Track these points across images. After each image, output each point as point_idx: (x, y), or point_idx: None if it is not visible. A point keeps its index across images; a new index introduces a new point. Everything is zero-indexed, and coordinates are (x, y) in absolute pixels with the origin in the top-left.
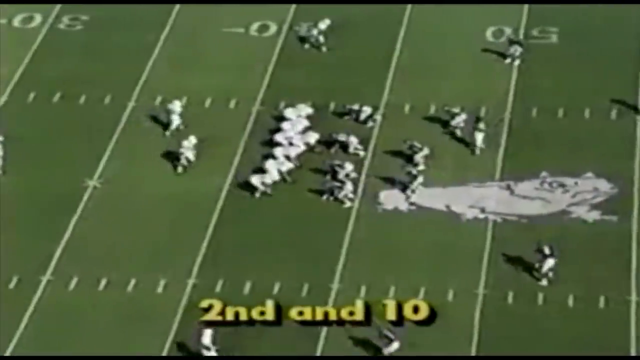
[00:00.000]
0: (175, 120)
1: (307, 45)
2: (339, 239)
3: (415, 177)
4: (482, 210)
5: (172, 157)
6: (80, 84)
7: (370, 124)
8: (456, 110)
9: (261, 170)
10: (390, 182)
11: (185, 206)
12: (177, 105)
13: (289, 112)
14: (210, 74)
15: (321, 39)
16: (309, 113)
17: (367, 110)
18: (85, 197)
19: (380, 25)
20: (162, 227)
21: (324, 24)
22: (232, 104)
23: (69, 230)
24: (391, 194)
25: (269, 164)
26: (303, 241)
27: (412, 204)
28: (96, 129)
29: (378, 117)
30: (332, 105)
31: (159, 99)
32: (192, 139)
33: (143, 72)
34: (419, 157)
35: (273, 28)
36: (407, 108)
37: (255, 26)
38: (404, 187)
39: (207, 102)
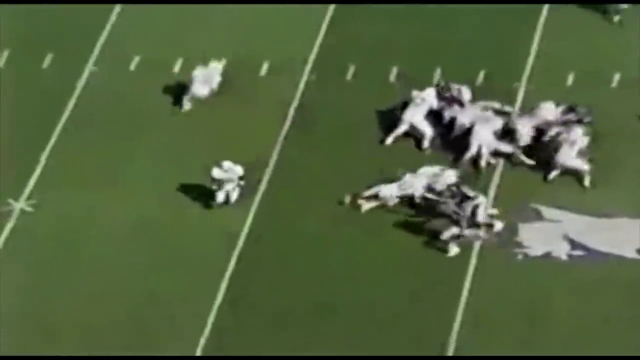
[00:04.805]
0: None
1: None
2: (451, 301)
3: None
4: None
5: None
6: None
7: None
8: None
9: None
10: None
11: (184, 247)
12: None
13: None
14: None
15: None
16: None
17: None
18: (7, 228)
19: None
20: (138, 278)
21: None
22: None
23: None
24: (539, 229)
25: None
26: (395, 304)
27: (577, 246)
28: (28, 114)
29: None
30: None
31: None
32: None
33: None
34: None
35: None
36: None
37: None
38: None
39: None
